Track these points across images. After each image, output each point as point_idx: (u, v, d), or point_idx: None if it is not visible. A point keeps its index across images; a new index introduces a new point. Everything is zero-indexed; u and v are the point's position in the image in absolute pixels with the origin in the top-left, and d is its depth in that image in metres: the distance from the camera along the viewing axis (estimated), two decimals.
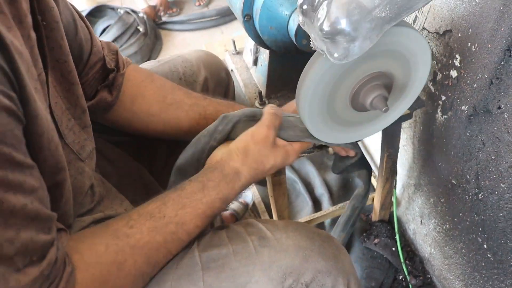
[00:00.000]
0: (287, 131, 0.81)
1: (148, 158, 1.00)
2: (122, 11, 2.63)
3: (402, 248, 1.43)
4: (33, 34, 0.56)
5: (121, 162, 0.93)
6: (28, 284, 0.49)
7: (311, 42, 0.60)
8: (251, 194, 1.58)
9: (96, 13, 2.72)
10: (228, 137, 0.81)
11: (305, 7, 0.56)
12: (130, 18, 2.61)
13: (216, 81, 1.05)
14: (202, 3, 3.06)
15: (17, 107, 0.48)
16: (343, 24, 0.53)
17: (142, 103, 0.87)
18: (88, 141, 0.73)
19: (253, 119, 0.81)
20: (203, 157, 0.81)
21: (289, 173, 1.64)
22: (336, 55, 0.56)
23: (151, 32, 2.66)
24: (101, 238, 0.62)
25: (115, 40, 2.51)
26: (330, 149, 1.77)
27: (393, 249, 1.44)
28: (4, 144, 0.46)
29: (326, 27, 0.54)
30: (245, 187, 0.77)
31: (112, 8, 2.69)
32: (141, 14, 2.69)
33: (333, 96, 0.71)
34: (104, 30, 2.59)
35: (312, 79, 0.67)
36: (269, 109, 0.80)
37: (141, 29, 2.58)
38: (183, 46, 2.71)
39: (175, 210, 0.68)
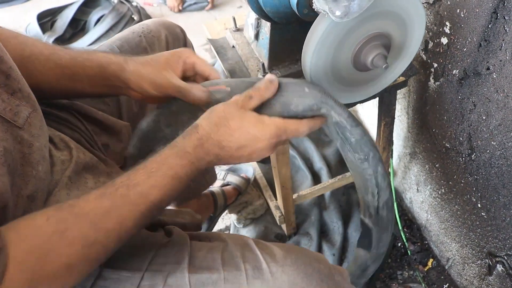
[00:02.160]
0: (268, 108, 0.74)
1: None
2: (115, 1, 2.67)
3: (400, 217, 1.50)
4: None
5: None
6: None
7: (314, 4, 0.66)
8: (252, 169, 1.64)
9: (90, 3, 2.75)
10: None
11: None
12: (124, 7, 2.64)
13: (173, 37, 1.13)
14: None
15: None
16: None
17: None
18: (21, 107, 0.67)
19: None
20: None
21: None
22: (337, 13, 0.62)
23: None
24: (44, 212, 0.59)
25: (110, 29, 2.54)
26: None
27: None
28: None
29: None
30: (205, 140, 0.68)
31: None
32: (134, 3, 2.72)
33: (336, 56, 0.78)
34: (98, 20, 2.62)
35: (316, 40, 0.72)
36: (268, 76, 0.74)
37: (135, 17, 2.62)
38: None
39: (127, 175, 0.65)
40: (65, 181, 0.74)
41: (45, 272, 0.56)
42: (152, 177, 0.64)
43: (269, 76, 0.73)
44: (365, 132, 0.79)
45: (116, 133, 0.95)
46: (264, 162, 1.68)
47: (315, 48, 0.74)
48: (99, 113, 0.93)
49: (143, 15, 2.73)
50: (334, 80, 0.83)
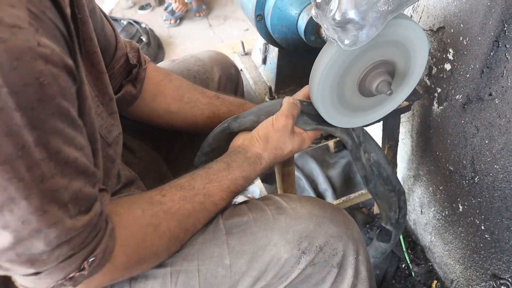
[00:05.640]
0: (302, 119, 0.89)
1: (165, 149, 1.08)
2: (125, 22, 2.72)
3: (404, 238, 1.50)
4: (71, 24, 0.61)
5: (141, 153, 1.00)
6: (80, 228, 0.56)
7: (323, 32, 0.69)
8: (258, 190, 1.65)
9: None
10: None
11: (318, 0, 0.64)
12: (133, 29, 2.70)
13: (227, 78, 1.13)
14: (202, 14, 3.16)
15: (75, 69, 0.55)
16: (352, 14, 0.62)
17: (161, 101, 0.96)
18: (114, 127, 0.79)
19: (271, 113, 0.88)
20: (223, 137, 0.92)
21: None
22: (346, 42, 0.65)
23: (154, 42, 2.75)
24: (138, 204, 0.70)
25: None
26: (331, 147, 1.85)
27: None
28: (65, 100, 0.52)
29: (337, 17, 0.62)
30: (265, 170, 0.85)
31: (116, 19, 2.78)
32: (143, 25, 2.78)
33: (342, 82, 0.80)
34: None
35: (324, 65, 0.75)
36: (288, 99, 0.88)
37: (144, 39, 2.67)
38: None
39: (203, 184, 0.76)
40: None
41: (139, 256, 0.67)
42: (223, 192, 0.79)
43: (289, 99, 0.88)
44: (392, 169, 1.00)
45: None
46: (270, 182, 1.70)
47: (322, 73, 0.77)
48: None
49: (151, 36, 2.78)
50: (340, 104, 0.85)
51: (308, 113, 0.89)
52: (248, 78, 1.19)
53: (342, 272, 0.79)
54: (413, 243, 1.55)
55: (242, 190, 0.83)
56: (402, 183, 1.53)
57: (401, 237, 1.48)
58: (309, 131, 0.90)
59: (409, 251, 1.52)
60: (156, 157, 1.03)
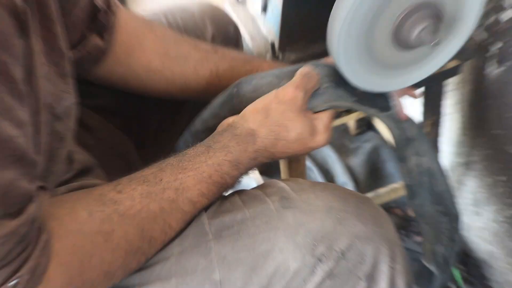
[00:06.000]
0: (316, 98, 0.88)
1: (137, 130, 1.07)
2: None
3: None
4: None
5: (103, 132, 0.99)
6: (3, 238, 0.51)
7: None
8: (255, 184, 1.65)
9: None
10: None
11: None
12: None
13: (224, 38, 1.12)
14: None
15: (26, 14, 0.52)
16: None
17: (140, 56, 0.94)
18: (66, 94, 0.74)
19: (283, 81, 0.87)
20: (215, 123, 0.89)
21: None
22: None
23: None
24: (84, 204, 0.66)
25: None
26: (352, 128, 1.85)
27: None
28: (4, 52, 0.49)
29: None
30: (261, 153, 0.83)
31: None
32: None
33: (372, 30, 0.80)
34: None
35: (349, 7, 0.74)
36: (303, 69, 0.87)
37: None
38: None
39: (174, 174, 0.74)
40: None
41: (84, 278, 0.63)
42: (202, 183, 0.75)
43: (305, 68, 0.87)
44: (451, 185, 0.96)
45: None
46: (271, 175, 1.70)
47: (345, 19, 0.76)
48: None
49: None
50: (369, 59, 0.84)
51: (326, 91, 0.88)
52: (243, 32, 1.19)
53: (372, 287, 0.78)
54: (465, 255, 1.56)
55: (231, 181, 0.80)
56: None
57: None
58: (321, 114, 0.87)
59: (460, 265, 1.53)
60: (122, 139, 1.02)
